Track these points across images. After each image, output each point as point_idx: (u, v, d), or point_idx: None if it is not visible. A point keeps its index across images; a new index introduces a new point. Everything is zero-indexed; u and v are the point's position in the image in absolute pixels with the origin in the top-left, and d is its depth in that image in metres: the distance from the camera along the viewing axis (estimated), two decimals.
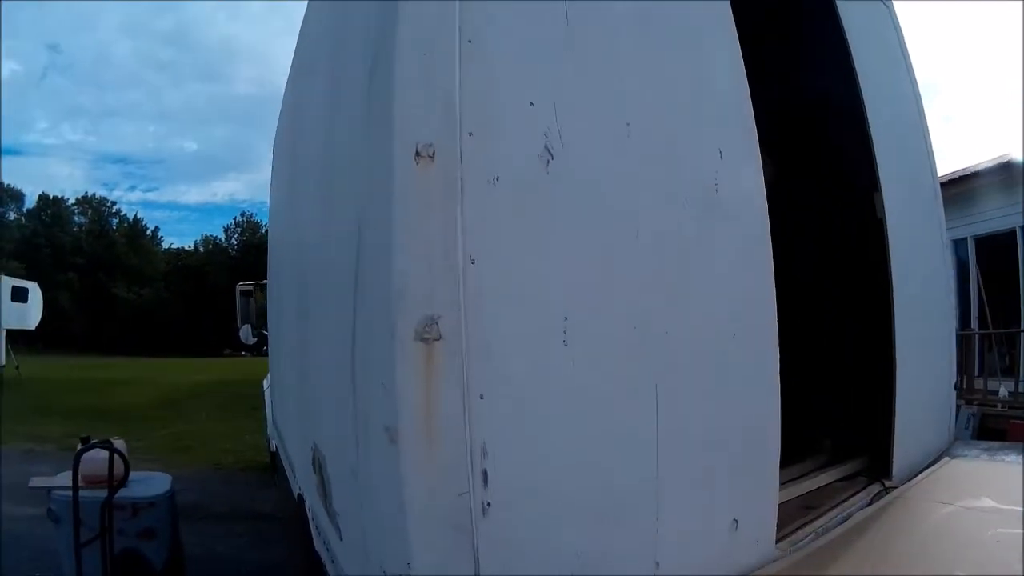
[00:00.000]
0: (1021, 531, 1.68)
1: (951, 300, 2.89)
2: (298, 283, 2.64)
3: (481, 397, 1.06)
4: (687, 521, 1.39)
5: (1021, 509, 1.86)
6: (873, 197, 2.38)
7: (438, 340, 1.02)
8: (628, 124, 1.35)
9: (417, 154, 1.03)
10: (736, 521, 1.52)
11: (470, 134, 1.09)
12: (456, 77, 1.08)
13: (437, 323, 1.02)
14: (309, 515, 2.51)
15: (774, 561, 1.62)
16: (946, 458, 2.54)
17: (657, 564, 1.30)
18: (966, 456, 2.58)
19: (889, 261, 2.26)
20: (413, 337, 1.01)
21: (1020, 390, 6.29)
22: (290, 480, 3.50)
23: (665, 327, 1.36)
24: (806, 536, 1.79)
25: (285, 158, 3.20)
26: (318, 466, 2.04)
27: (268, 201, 4.65)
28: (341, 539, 1.58)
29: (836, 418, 2.59)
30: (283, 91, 3.41)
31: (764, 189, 1.69)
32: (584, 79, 1.29)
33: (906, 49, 2.76)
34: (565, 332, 1.17)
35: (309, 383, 2.32)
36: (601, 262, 1.27)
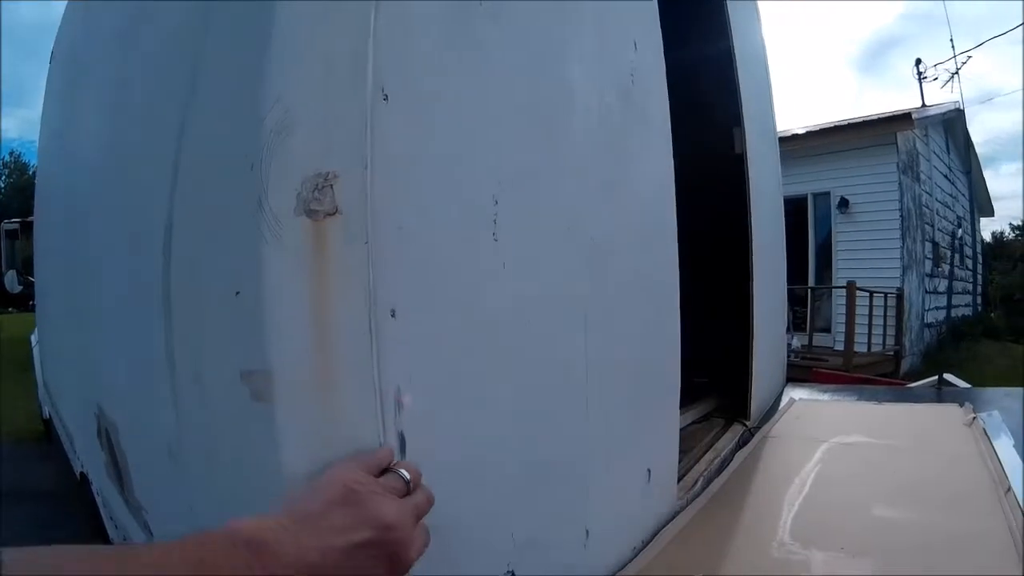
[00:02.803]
0: (909, 463, 1.71)
1: (784, 245, 3.00)
2: (74, 192, 1.99)
3: (392, 314, 0.65)
4: (612, 477, 1.14)
5: (892, 443, 1.92)
6: (733, 132, 2.34)
7: (333, 215, 0.60)
8: None
9: None
10: (649, 471, 1.33)
11: None
12: None
13: (332, 186, 0.60)
14: (98, 500, 1.95)
15: (682, 510, 1.47)
16: (790, 398, 2.65)
17: (587, 532, 1.04)
18: (805, 399, 2.70)
19: (748, 197, 2.21)
20: (295, 209, 0.58)
21: (812, 343, 7.28)
22: (69, 455, 2.84)
23: (592, 231, 1.06)
24: (695, 481, 1.68)
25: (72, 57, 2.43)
26: (105, 438, 1.51)
27: (40, 124, 3.67)
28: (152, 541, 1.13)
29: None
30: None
31: (667, 95, 1.48)
32: None
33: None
34: (495, 222, 0.81)
35: (87, 323, 1.73)
36: (533, 132, 0.92)
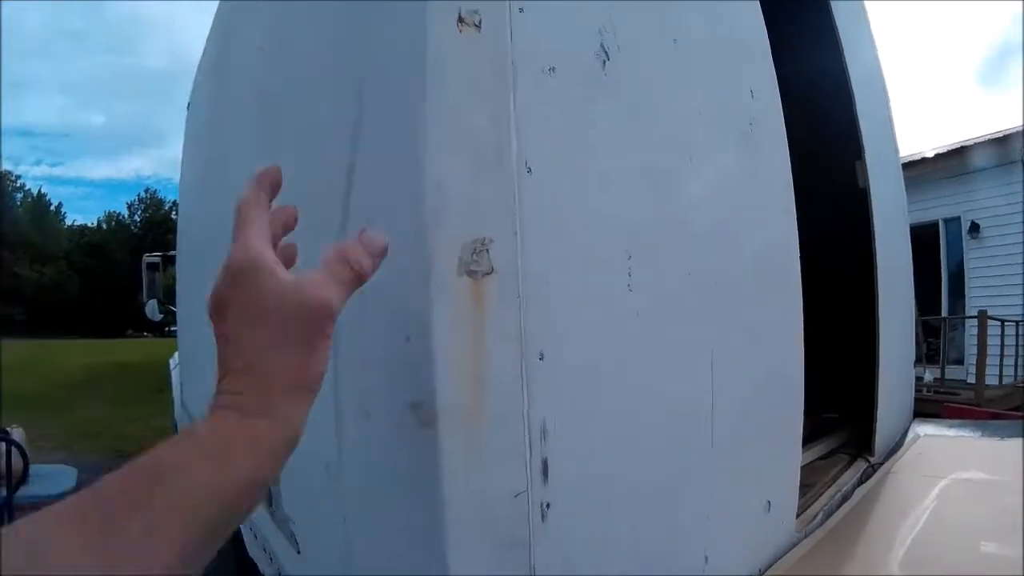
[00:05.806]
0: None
1: (912, 278, 2.87)
2: (220, 233, 2.23)
3: (541, 357, 0.76)
4: (733, 505, 1.19)
5: (1010, 480, 1.85)
6: (855, 166, 2.29)
7: (489, 274, 0.72)
8: (675, 41, 1.12)
9: (460, 19, 0.73)
10: (769, 503, 1.35)
11: (520, 10, 0.79)
12: None
13: (488, 250, 0.72)
14: None
15: (799, 542, 1.48)
16: (916, 434, 2.54)
17: (706, 559, 1.09)
18: (931, 434, 2.59)
19: (873, 232, 2.17)
20: (456, 269, 0.70)
21: (944, 376, 6.79)
22: None
23: (716, 276, 1.14)
24: (815, 515, 1.66)
25: (210, 100, 2.72)
26: None
27: (181, 167, 4.11)
28: (298, 552, 1.27)
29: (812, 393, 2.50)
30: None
31: (786, 138, 1.51)
32: None
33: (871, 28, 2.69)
34: (630, 275, 0.91)
35: None
36: (659, 190, 1.02)
